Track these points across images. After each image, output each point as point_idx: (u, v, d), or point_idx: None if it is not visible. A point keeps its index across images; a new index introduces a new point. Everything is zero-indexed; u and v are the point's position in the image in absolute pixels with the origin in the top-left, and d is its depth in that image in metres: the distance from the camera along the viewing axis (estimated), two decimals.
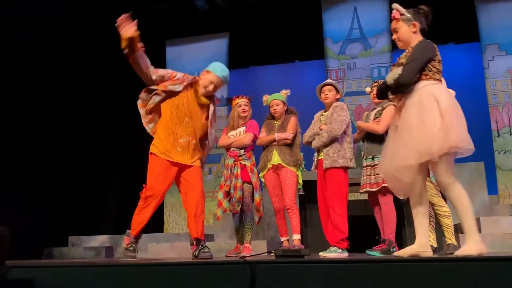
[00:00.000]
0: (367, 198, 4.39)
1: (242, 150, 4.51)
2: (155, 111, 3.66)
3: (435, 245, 4.12)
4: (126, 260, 3.47)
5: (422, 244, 2.81)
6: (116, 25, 3.41)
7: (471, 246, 2.61)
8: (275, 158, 4.31)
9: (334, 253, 3.76)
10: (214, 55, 8.59)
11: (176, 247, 5.64)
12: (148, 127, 3.68)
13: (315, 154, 4.21)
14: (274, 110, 4.47)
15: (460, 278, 1.94)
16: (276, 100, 4.47)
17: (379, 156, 4.04)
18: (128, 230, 3.72)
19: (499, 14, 7.29)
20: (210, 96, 3.71)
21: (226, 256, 4.47)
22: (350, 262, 2.15)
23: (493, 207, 6.13)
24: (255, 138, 4.54)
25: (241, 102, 4.63)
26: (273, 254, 2.72)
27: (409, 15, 2.92)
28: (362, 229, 4.56)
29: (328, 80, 4.35)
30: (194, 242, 3.58)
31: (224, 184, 4.51)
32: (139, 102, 3.67)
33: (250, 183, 4.48)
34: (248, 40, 8.61)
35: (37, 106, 6.98)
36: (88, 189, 7.81)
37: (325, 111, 4.21)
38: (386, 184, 3.97)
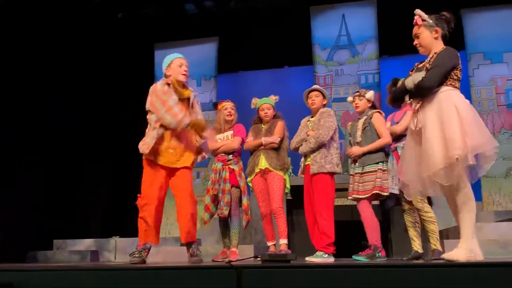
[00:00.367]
0: (355, 204, 4.41)
1: (231, 155, 4.51)
2: None
3: (421, 251, 4.14)
4: (112, 264, 3.44)
5: (471, 249, 2.77)
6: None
7: (461, 252, 2.64)
8: (263, 162, 4.32)
9: (321, 258, 3.78)
10: (203, 59, 8.60)
11: (161, 251, 5.61)
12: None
13: (302, 159, 4.23)
14: (265, 113, 4.46)
15: (446, 283, 1.96)
16: (267, 104, 4.48)
17: (370, 165, 4.07)
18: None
19: (484, 23, 7.41)
20: (189, 91, 3.72)
21: (212, 260, 4.46)
22: (336, 267, 2.16)
23: (477, 214, 6.17)
24: (243, 142, 4.55)
25: (227, 106, 4.63)
26: (259, 258, 2.72)
27: (431, 21, 2.95)
28: (349, 235, 4.58)
29: (315, 86, 4.37)
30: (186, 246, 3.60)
31: (212, 188, 4.50)
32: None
33: (238, 187, 4.48)
34: (237, 45, 8.63)
35: (29, 107, 6.92)
36: (74, 192, 7.75)
37: (312, 117, 4.23)
38: (374, 192, 4.01)
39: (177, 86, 3.64)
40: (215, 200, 4.48)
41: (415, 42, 3.02)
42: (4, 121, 6.31)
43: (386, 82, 7.44)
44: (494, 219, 6.05)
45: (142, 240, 3.58)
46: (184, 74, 3.67)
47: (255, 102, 4.55)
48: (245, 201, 4.48)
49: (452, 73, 2.83)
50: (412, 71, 3.01)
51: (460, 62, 2.88)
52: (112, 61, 8.46)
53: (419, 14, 2.98)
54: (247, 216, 4.49)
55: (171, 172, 3.60)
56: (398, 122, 4.24)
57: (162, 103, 3.54)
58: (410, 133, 2.99)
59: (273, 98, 4.54)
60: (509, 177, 7.16)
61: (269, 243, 4.39)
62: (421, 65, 2.96)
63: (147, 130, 3.63)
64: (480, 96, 7.34)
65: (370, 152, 4.11)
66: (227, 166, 4.48)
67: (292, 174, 4.79)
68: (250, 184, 4.49)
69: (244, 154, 4.65)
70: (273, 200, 4.25)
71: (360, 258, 4.00)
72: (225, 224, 4.53)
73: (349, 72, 8.14)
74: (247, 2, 8.44)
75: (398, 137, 4.16)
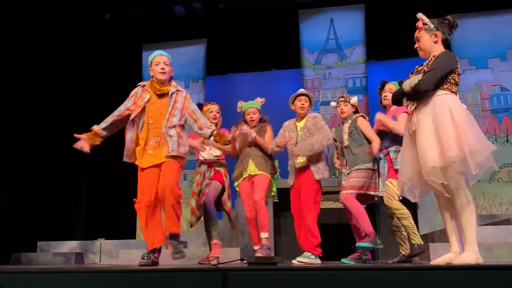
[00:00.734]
0: (342, 207, 4.42)
1: (216, 158, 4.50)
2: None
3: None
4: (97, 266, 3.41)
5: (457, 251, 2.82)
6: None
7: (470, 255, 2.66)
8: (251, 168, 4.31)
9: (308, 258, 3.79)
10: (191, 61, 8.59)
11: None
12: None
13: (293, 163, 4.20)
14: (250, 118, 4.44)
15: (452, 286, 1.96)
16: (252, 108, 4.45)
17: (359, 166, 4.09)
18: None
19: (469, 29, 7.51)
20: (168, 86, 3.65)
21: (198, 263, 4.44)
22: (322, 270, 2.17)
23: None
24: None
25: (213, 109, 4.60)
26: (245, 261, 2.72)
27: (432, 25, 2.95)
28: (335, 237, 4.60)
29: (303, 91, 4.37)
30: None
31: (197, 191, 4.47)
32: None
33: (222, 184, 4.45)
34: (225, 47, 8.64)
35: (13, 105, 6.84)
36: (58, 193, 7.66)
37: (297, 121, 4.24)
38: (350, 191, 4.03)
39: (155, 84, 3.61)
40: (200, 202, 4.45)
41: (416, 45, 3.04)
42: None
43: (374, 86, 7.54)
44: (478, 223, 6.11)
45: (149, 245, 3.52)
46: (162, 72, 3.59)
47: (241, 105, 4.53)
48: (229, 205, 4.46)
49: (450, 77, 2.84)
50: (412, 73, 3.02)
51: (458, 66, 2.88)
52: (100, 63, 8.40)
53: (421, 17, 2.98)
54: (231, 221, 4.48)
55: (159, 166, 3.52)
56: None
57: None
58: (406, 135, 3.00)
59: (259, 101, 4.52)
60: (493, 182, 7.26)
61: (256, 247, 4.38)
62: (420, 68, 2.97)
63: None
64: (465, 101, 7.43)
65: (362, 155, 4.14)
66: (212, 168, 4.46)
67: (279, 177, 4.80)
68: (237, 189, 4.48)
69: (230, 159, 4.62)
70: (256, 192, 4.21)
71: (347, 261, 4.02)
72: (207, 216, 4.47)
73: (336, 75, 8.20)
74: (235, 4, 8.45)
75: (390, 141, 4.17)
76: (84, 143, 3.61)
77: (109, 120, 3.67)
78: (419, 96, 2.86)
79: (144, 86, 3.67)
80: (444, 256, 2.85)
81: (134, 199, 3.55)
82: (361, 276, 2.05)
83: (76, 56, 8.08)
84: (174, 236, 3.50)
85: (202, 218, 4.52)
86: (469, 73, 7.44)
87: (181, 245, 3.64)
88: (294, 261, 3.92)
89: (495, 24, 7.70)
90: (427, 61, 2.95)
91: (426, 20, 2.97)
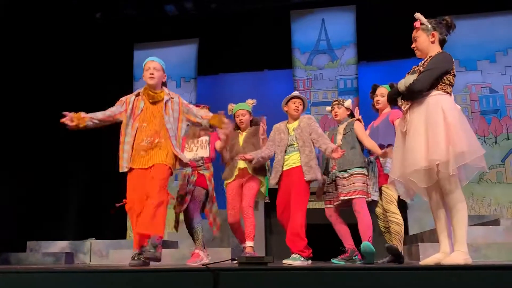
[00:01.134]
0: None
1: (200, 161, 4.39)
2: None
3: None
4: (87, 266, 3.38)
5: (447, 251, 2.83)
6: None
7: (459, 255, 2.68)
8: (241, 163, 4.29)
9: (298, 260, 3.79)
10: (183, 60, 8.58)
11: None
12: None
13: (279, 165, 4.18)
14: (240, 120, 4.41)
15: (441, 286, 1.98)
16: (241, 110, 4.43)
17: (352, 168, 4.11)
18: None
19: (459, 31, 7.51)
20: (161, 93, 3.66)
21: (186, 264, 4.40)
22: (313, 270, 2.18)
23: None
24: (215, 150, 4.47)
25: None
26: (236, 261, 2.72)
27: (429, 25, 2.96)
28: (325, 238, 4.61)
29: (298, 93, 4.37)
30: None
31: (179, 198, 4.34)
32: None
33: (205, 189, 4.35)
34: (217, 47, 8.63)
35: (4, 107, 6.79)
36: (48, 192, 7.60)
37: (288, 122, 4.24)
38: (362, 196, 4.04)
39: (149, 91, 3.64)
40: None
41: (413, 45, 3.04)
42: None
43: (364, 87, 7.59)
44: (467, 224, 6.17)
45: (136, 245, 3.50)
46: (151, 77, 3.62)
47: (231, 108, 4.50)
48: (214, 208, 4.37)
49: (445, 78, 2.84)
50: (408, 73, 3.02)
51: (454, 67, 2.89)
52: (91, 62, 8.36)
53: (418, 17, 2.98)
54: (214, 222, 4.35)
55: (150, 169, 3.53)
56: (377, 127, 4.27)
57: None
58: (399, 134, 3.00)
59: (249, 102, 4.50)
60: (481, 183, 7.34)
61: (243, 245, 4.36)
62: (416, 68, 2.97)
63: None
64: (455, 102, 7.51)
65: (352, 156, 4.15)
66: (196, 172, 4.36)
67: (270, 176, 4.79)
68: (225, 188, 4.44)
69: (217, 164, 4.57)
70: (244, 198, 4.20)
71: (337, 261, 4.04)
72: (190, 226, 4.43)
73: (328, 76, 8.23)
74: (227, 4, 8.45)
75: (380, 146, 4.18)
76: (69, 120, 3.68)
77: (98, 115, 3.71)
78: (413, 95, 2.86)
79: (138, 94, 3.70)
80: (434, 256, 2.87)
81: (124, 200, 3.54)
82: (351, 276, 2.07)
83: (67, 55, 8.03)
84: (153, 237, 3.37)
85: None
86: (458, 75, 7.38)
87: (159, 249, 3.38)
88: (285, 261, 3.92)
89: (484, 26, 7.79)
90: (423, 61, 2.96)
91: (424, 20, 2.98)
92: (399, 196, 3.95)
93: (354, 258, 4.09)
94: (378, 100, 4.32)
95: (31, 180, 7.29)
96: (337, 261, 4.07)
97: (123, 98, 3.74)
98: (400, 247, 4.00)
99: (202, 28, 8.65)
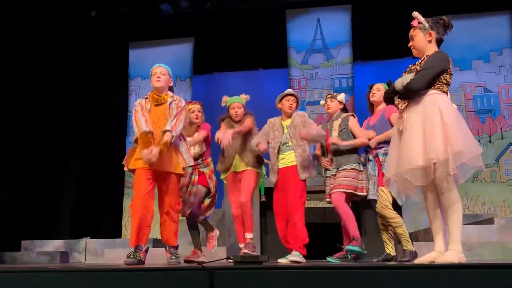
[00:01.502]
0: (327, 206, 4.44)
1: (200, 159, 4.41)
2: None
3: (393, 254, 4.20)
4: (82, 265, 3.39)
5: (441, 250, 2.83)
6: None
7: (453, 254, 2.68)
8: (238, 164, 4.29)
9: (299, 257, 3.81)
10: (178, 59, 8.56)
11: None
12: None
13: (275, 162, 4.20)
14: (235, 112, 4.40)
15: (435, 284, 1.99)
16: (237, 102, 4.42)
17: (345, 166, 4.12)
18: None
19: (453, 30, 7.56)
20: (166, 96, 3.80)
21: (184, 260, 4.42)
22: (308, 269, 2.18)
23: None
24: (208, 138, 4.48)
25: (194, 108, 4.55)
26: (231, 260, 2.72)
27: (426, 24, 2.96)
28: (321, 236, 4.63)
29: (292, 91, 4.37)
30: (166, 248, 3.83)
31: (181, 192, 4.42)
32: None
33: (207, 187, 4.40)
34: (213, 46, 8.63)
35: None
36: (43, 191, 7.58)
37: (282, 119, 4.24)
38: (340, 190, 4.07)
39: (154, 94, 3.80)
40: (184, 203, 4.42)
41: (409, 44, 3.04)
42: None
43: (360, 86, 7.61)
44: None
45: (133, 242, 3.57)
46: (158, 80, 3.77)
47: (226, 100, 4.49)
48: (208, 201, 4.46)
49: (441, 77, 2.85)
50: (405, 72, 3.02)
51: (451, 66, 2.90)
52: (86, 60, 8.33)
53: (416, 16, 2.98)
54: (210, 208, 4.50)
55: (156, 175, 3.65)
56: (373, 126, 4.28)
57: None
58: (395, 133, 3.01)
59: (243, 97, 4.51)
60: (476, 182, 7.37)
61: (241, 245, 4.37)
62: (413, 67, 2.97)
63: None
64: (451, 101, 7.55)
65: (346, 154, 4.16)
66: (196, 170, 4.40)
67: (266, 176, 4.79)
68: (224, 181, 4.47)
69: (215, 156, 4.58)
70: (242, 193, 4.20)
71: (335, 260, 4.05)
72: (192, 224, 4.48)
73: (323, 75, 8.25)
74: (223, 3, 8.45)
75: (380, 143, 4.18)
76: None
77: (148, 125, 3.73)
78: (410, 94, 2.86)
79: (146, 98, 3.85)
80: (428, 254, 2.88)
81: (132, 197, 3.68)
82: (346, 274, 2.07)
83: (63, 53, 8.00)
84: (171, 246, 3.82)
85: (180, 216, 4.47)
86: (453, 74, 7.53)
87: (177, 252, 3.87)
88: (280, 260, 3.93)
89: (479, 26, 7.83)
90: (420, 60, 2.96)
91: (421, 19, 2.97)
92: (393, 197, 3.97)
93: (349, 256, 4.10)
94: (373, 94, 4.30)
95: (25, 179, 7.26)
96: (332, 260, 4.08)
97: (138, 103, 3.84)
98: (410, 246, 4.02)
99: (198, 27, 8.64)
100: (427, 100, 2.82)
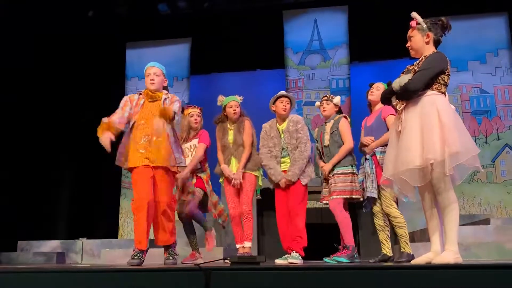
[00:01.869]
0: (324, 207, 4.46)
1: (198, 165, 4.43)
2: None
3: (390, 254, 4.21)
4: (80, 266, 3.38)
5: (438, 251, 2.84)
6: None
7: (450, 254, 2.69)
8: (235, 167, 4.30)
9: (298, 259, 3.83)
10: (175, 60, 8.56)
11: (130, 254, 5.52)
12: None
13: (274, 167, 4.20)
14: (234, 110, 4.39)
15: (432, 285, 1.99)
16: (235, 101, 4.44)
17: (340, 167, 4.13)
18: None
19: (451, 31, 7.63)
20: (160, 94, 3.79)
21: (181, 262, 4.42)
22: (305, 269, 2.19)
23: None
24: (206, 147, 4.50)
25: (194, 112, 4.56)
26: (228, 261, 2.72)
27: (425, 25, 2.96)
28: (318, 237, 4.63)
29: (284, 92, 4.37)
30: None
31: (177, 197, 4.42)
32: None
33: (204, 191, 4.43)
34: (210, 47, 8.63)
35: None
36: (39, 191, 7.56)
37: (278, 123, 4.24)
38: (338, 196, 4.08)
39: (149, 92, 3.77)
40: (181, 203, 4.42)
41: (407, 44, 3.05)
42: None
43: (357, 87, 7.62)
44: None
45: (143, 245, 3.58)
46: (152, 82, 3.75)
47: (222, 99, 4.48)
48: (219, 207, 4.47)
49: (439, 78, 2.85)
50: (403, 73, 3.03)
51: (449, 67, 2.91)
52: (83, 60, 8.32)
53: (415, 17, 2.99)
54: (221, 215, 4.48)
55: (154, 172, 3.63)
56: (370, 126, 4.28)
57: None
58: (393, 133, 3.01)
59: (238, 98, 4.52)
60: (472, 182, 7.40)
61: (238, 245, 4.38)
62: (411, 67, 2.98)
63: None
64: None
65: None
66: (194, 174, 4.42)
67: (263, 177, 4.79)
68: (222, 184, 4.47)
69: (212, 161, 4.58)
70: (243, 202, 4.23)
71: (337, 259, 4.05)
72: (189, 227, 4.49)
73: (320, 76, 8.26)
74: (220, 4, 8.45)
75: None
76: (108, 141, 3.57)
77: (118, 122, 3.70)
78: (408, 95, 2.87)
79: (140, 94, 3.83)
80: (425, 255, 2.89)
81: (132, 199, 3.65)
82: (343, 275, 2.08)
83: (59, 53, 7.98)
84: (169, 246, 3.84)
85: (177, 218, 4.47)
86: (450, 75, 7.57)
87: (175, 251, 3.92)
88: (277, 261, 3.94)
89: (475, 27, 7.86)
90: (418, 61, 2.97)
91: (420, 19, 2.98)
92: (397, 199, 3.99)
93: (356, 255, 4.12)
94: (372, 92, 4.31)
95: (22, 179, 7.25)
96: (329, 260, 4.09)
97: (127, 98, 3.82)
98: (408, 248, 4.02)
99: (195, 27, 8.64)
100: (425, 101, 2.83)
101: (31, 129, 7.51)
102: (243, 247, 4.31)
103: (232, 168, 4.31)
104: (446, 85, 2.90)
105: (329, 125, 4.31)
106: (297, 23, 8.50)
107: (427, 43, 2.98)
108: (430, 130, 2.75)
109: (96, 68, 8.31)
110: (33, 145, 7.48)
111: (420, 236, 5.36)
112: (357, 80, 7.99)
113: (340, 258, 4.02)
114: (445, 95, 2.92)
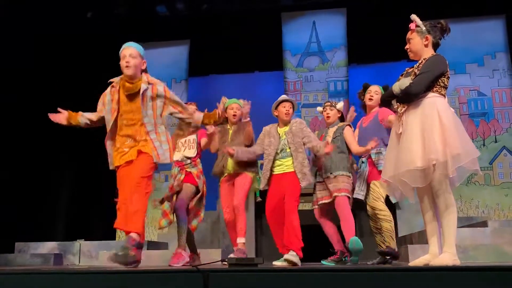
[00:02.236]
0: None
1: (189, 160, 4.35)
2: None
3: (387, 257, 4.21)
4: (77, 268, 3.35)
5: (436, 253, 2.85)
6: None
7: (447, 256, 2.70)
8: (230, 166, 4.28)
9: (296, 258, 3.82)
10: (174, 61, 8.56)
11: None
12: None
13: (267, 169, 4.17)
14: (234, 112, 4.40)
15: (429, 287, 1.99)
16: (237, 104, 4.45)
17: (337, 171, 4.14)
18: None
19: (449, 34, 7.67)
20: (138, 82, 3.39)
21: (169, 265, 4.38)
22: (303, 271, 2.19)
23: None
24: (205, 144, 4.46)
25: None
26: (226, 262, 2.72)
27: (424, 28, 2.97)
28: (314, 239, 4.62)
29: (287, 97, 4.38)
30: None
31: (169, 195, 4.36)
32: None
33: (194, 185, 4.29)
34: (208, 49, 8.63)
35: None
36: (37, 193, 7.54)
37: (279, 126, 4.24)
38: (345, 194, 4.09)
39: (125, 81, 3.36)
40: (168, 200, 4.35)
41: (406, 46, 3.06)
42: None
43: (354, 89, 7.63)
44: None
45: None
46: (127, 66, 3.32)
47: (225, 101, 4.47)
48: (201, 216, 4.35)
49: (439, 80, 2.87)
50: (402, 75, 3.04)
51: (448, 70, 2.92)
52: (80, 61, 8.31)
53: (414, 19, 3.00)
54: (198, 217, 4.32)
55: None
56: (366, 127, 4.30)
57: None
58: (393, 135, 3.02)
59: (241, 102, 4.53)
60: (470, 185, 7.41)
61: (235, 249, 4.37)
62: (410, 70, 2.99)
63: None
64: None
65: (336, 160, 4.19)
66: (184, 170, 4.33)
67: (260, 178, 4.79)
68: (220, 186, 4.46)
69: (208, 163, 4.56)
70: (236, 196, 4.18)
71: (328, 263, 4.06)
72: (188, 231, 4.41)
73: (318, 78, 8.28)
74: (219, 6, 8.46)
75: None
76: (62, 118, 3.53)
77: (91, 116, 3.62)
78: (410, 98, 2.88)
79: (113, 86, 3.46)
80: (422, 257, 2.90)
81: (115, 199, 3.48)
82: (341, 277, 2.08)
83: (57, 54, 7.97)
84: (130, 236, 3.12)
85: (174, 221, 4.40)
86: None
87: (132, 251, 3.09)
88: (275, 263, 3.93)
89: (473, 30, 7.89)
90: (417, 64, 2.98)
91: (419, 22, 2.99)
92: (387, 195, 3.99)
93: (344, 259, 4.11)
94: (371, 97, 4.32)
95: (19, 180, 7.23)
96: (327, 263, 4.09)
97: (102, 96, 3.56)
98: (393, 244, 4.03)
99: (193, 29, 8.65)
100: (426, 103, 2.84)
101: (30, 129, 7.49)
102: (236, 243, 4.28)
103: (229, 168, 4.30)
104: (446, 87, 2.91)
105: (332, 130, 4.34)
106: (295, 25, 8.52)
107: (426, 45, 3.00)
108: (431, 132, 2.76)
109: (96, 68, 8.30)
110: (32, 145, 7.47)
111: (418, 238, 5.36)
112: (355, 82, 8.00)
113: (328, 263, 4.06)
114: (445, 97, 2.93)
